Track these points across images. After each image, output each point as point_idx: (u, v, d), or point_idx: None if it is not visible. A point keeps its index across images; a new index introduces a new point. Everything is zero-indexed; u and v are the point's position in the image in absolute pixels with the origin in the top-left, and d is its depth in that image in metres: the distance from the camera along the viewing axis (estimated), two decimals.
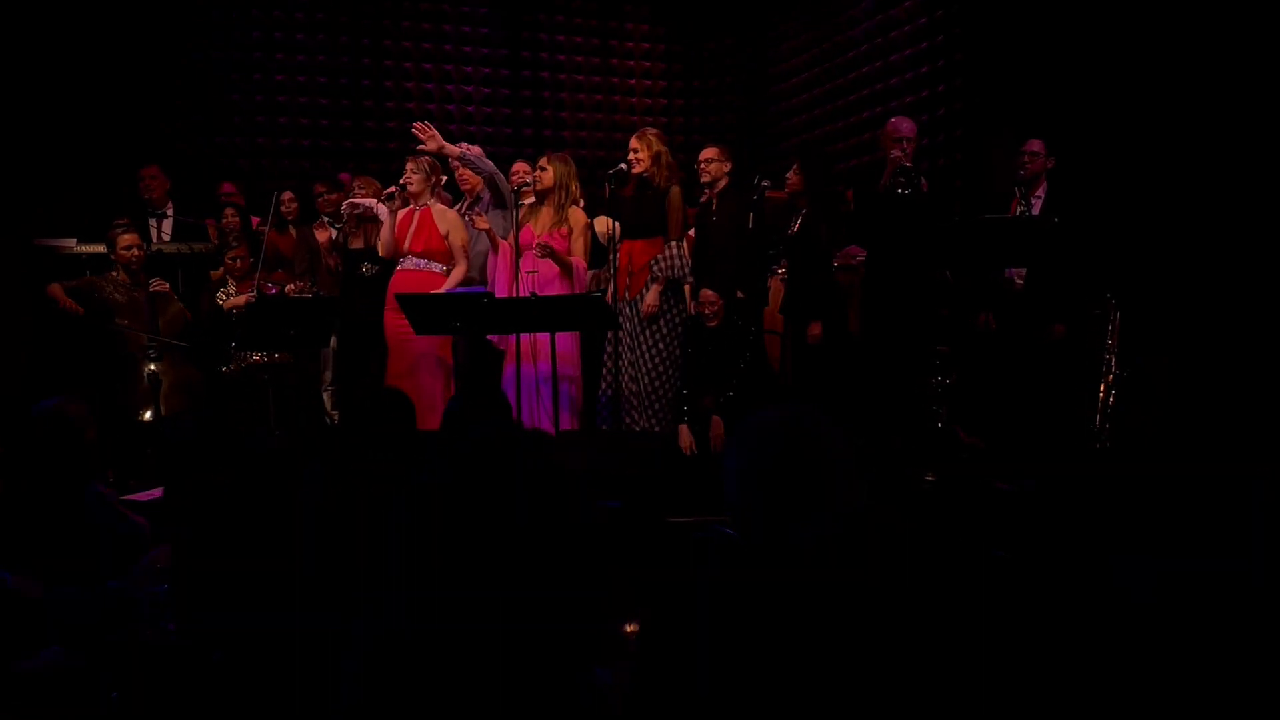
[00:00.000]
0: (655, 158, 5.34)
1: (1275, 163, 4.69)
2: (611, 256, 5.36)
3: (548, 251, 5.26)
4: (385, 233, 5.51)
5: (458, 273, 5.46)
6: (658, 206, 5.34)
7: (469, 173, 5.76)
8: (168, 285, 5.64)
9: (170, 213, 6.36)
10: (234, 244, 6.05)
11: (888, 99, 7.02)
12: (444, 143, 5.50)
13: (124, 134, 6.86)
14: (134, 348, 5.44)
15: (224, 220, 6.49)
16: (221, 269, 6.12)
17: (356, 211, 5.78)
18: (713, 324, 5.40)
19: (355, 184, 6.14)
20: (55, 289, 5.42)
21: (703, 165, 5.63)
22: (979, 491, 4.14)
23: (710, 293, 5.38)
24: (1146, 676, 2.37)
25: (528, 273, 5.32)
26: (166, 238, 6.25)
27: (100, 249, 5.74)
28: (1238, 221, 4.77)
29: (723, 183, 5.51)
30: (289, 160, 7.78)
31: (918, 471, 4.42)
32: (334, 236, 6.23)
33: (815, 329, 5.29)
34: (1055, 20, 5.72)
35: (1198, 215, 4.88)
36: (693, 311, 5.43)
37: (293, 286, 5.95)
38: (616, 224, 5.28)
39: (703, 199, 5.66)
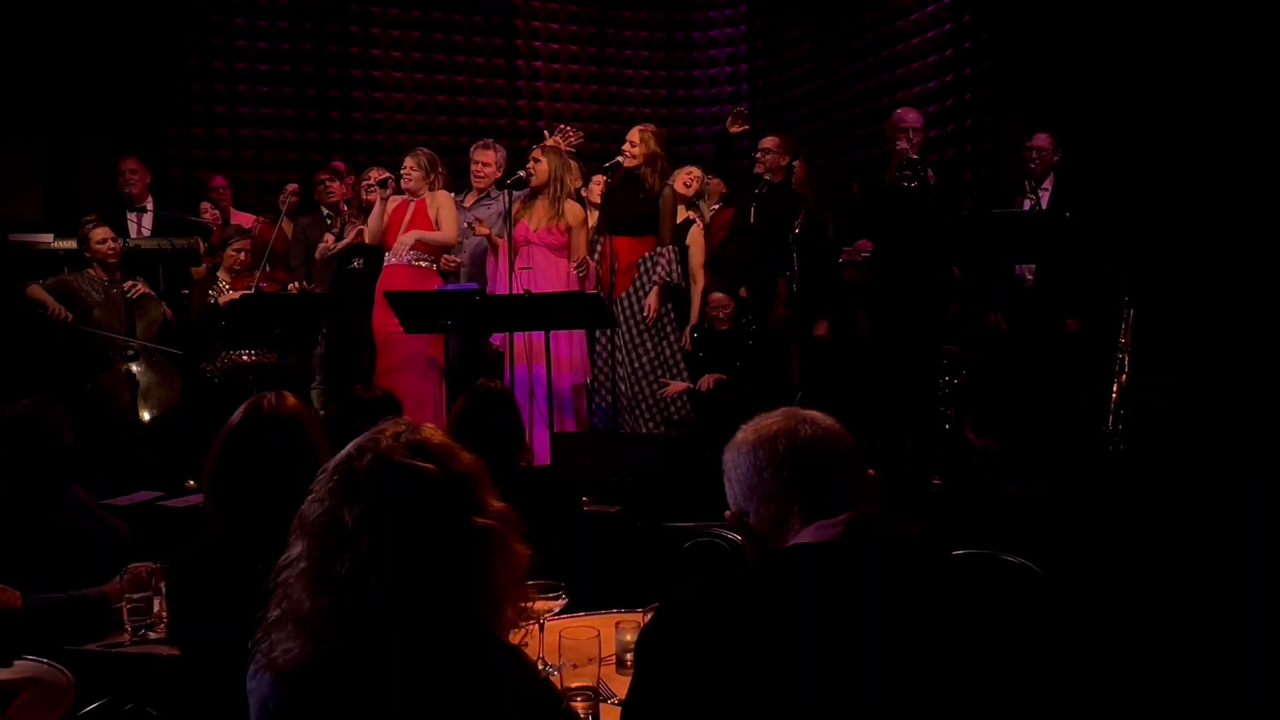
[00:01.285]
0: (650, 157, 5.25)
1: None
2: (598, 252, 5.29)
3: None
4: (374, 220, 5.37)
5: (438, 237, 5.32)
6: (649, 206, 5.25)
7: (488, 169, 5.65)
8: (144, 283, 5.46)
9: (150, 207, 6.19)
10: (236, 236, 5.88)
11: (894, 89, 6.90)
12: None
13: (103, 126, 6.69)
14: (111, 348, 5.31)
15: (204, 215, 6.33)
16: (204, 266, 5.97)
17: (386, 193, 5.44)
18: (723, 326, 5.33)
19: (370, 173, 6.00)
20: (37, 290, 5.25)
21: (759, 155, 5.53)
22: (989, 494, 4.07)
23: (721, 296, 5.31)
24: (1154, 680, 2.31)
25: (521, 269, 5.21)
26: (147, 233, 6.09)
27: (75, 245, 5.59)
28: (1248, 219, 4.69)
29: (779, 176, 5.41)
30: (274, 152, 7.63)
31: (925, 474, 4.34)
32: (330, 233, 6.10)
33: (821, 328, 5.21)
34: (1068, 8, 5.61)
35: (1209, 211, 4.79)
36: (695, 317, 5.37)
37: (295, 286, 5.81)
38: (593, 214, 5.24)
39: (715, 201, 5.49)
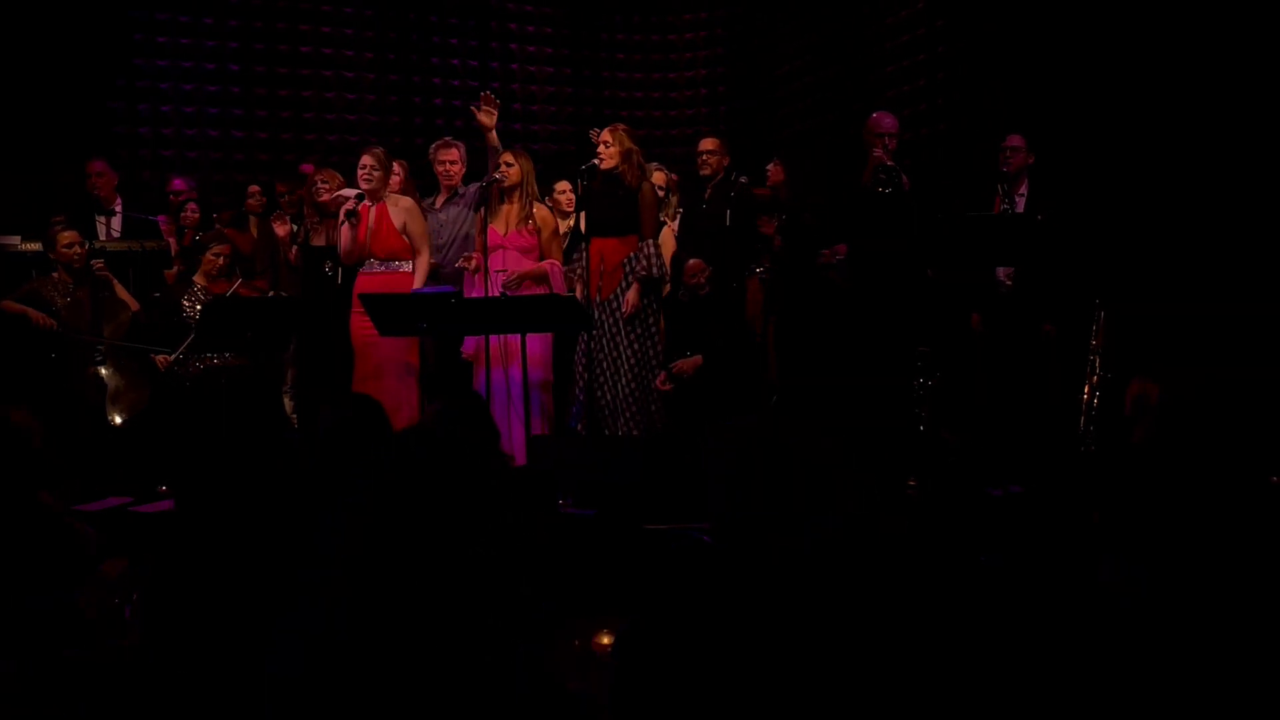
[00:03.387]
0: (625, 154, 5.22)
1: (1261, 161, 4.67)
2: (584, 255, 5.26)
3: (516, 285, 5.11)
4: (345, 243, 5.23)
5: (422, 263, 5.27)
6: (629, 204, 5.23)
7: (455, 167, 5.60)
8: (103, 263, 5.29)
9: (119, 209, 6.08)
10: (215, 241, 5.77)
11: (872, 93, 6.93)
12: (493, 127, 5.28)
13: (69, 127, 6.59)
14: (80, 351, 5.23)
15: (183, 215, 6.26)
16: (176, 269, 5.88)
17: (348, 207, 5.29)
18: (704, 292, 5.29)
19: (318, 178, 5.93)
20: (11, 305, 5.18)
21: (704, 157, 5.51)
22: (966, 495, 4.09)
23: (697, 261, 5.28)
24: (1137, 680, 2.32)
25: (496, 271, 5.18)
26: (116, 236, 5.99)
27: (39, 247, 5.49)
28: (1224, 219, 4.74)
29: (720, 176, 5.41)
30: (243, 154, 7.55)
31: (900, 476, 4.36)
32: (294, 230, 6.04)
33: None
34: (1043, 12, 5.66)
35: (1184, 212, 4.84)
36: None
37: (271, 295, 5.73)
38: (582, 216, 5.18)
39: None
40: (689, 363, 5.30)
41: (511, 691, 1.32)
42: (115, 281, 5.38)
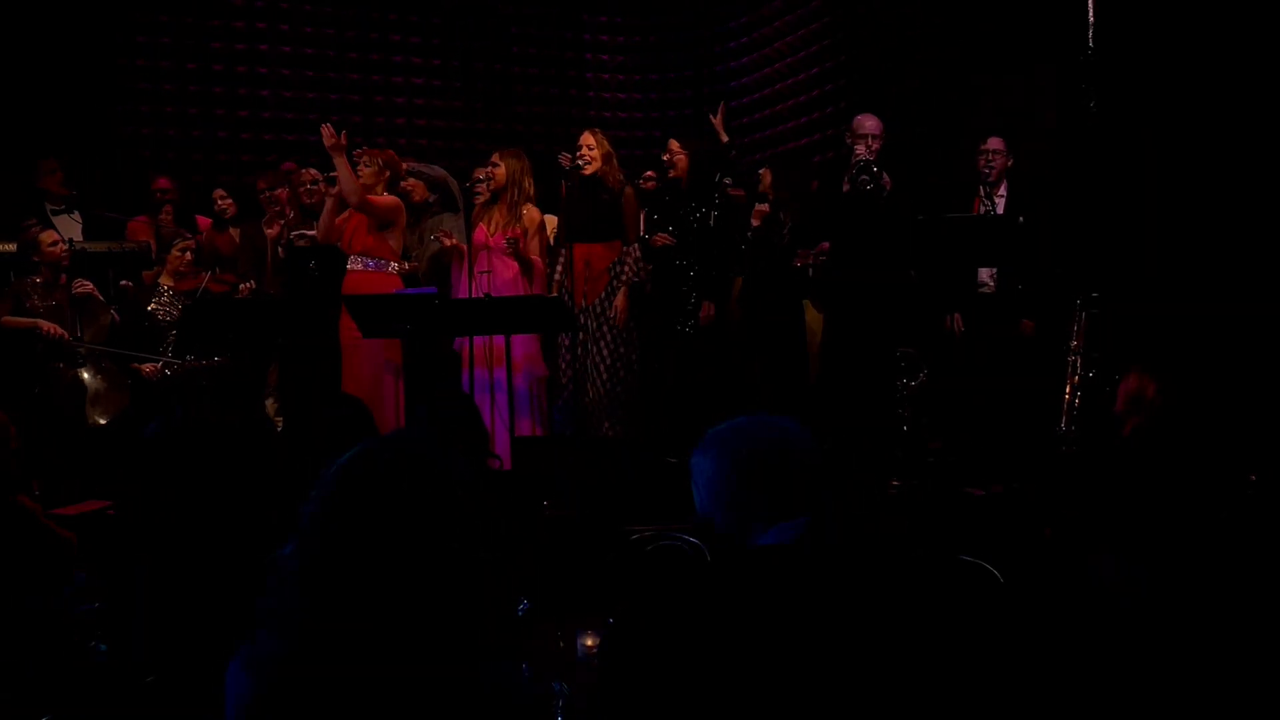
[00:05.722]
0: (606, 157, 5.25)
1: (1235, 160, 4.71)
2: (560, 257, 5.28)
3: (514, 248, 5.09)
4: (325, 217, 5.26)
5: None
6: (613, 209, 5.24)
7: (413, 182, 5.61)
8: (91, 285, 5.32)
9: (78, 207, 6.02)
10: (180, 238, 5.72)
11: (844, 95, 6.94)
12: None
13: (45, 125, 6.51)
14: (59, 353, 5.19)
15: (160, 217, 6.20)
16: (154, 270, 5.83)
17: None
18: (674, 174, 5.32)
19: (304, 174, 5.89)
20: (12, 321, 5.12)
21: (667, 157, 5.54)
22: (947, 496, 4.12)
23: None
24: (1130, 681, 2.33)
25: (481, 273, 5.18)
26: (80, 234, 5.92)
27: (14, 248, 5.43)
28: (1206, 220, 4.78)
29: (687, 177, 5.45)
30: (225, 154, 7.50)
31: (883, 477, 4.39)
32: (281, 231, 6.00)
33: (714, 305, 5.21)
34: (1022, 16, 5.70)
35: (1163, 213, 4.88)
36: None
37: (246, 287, 5.69)
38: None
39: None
40: (661, 237, 5.32)
41: (485, 695, 1.29)
42: (97, 294, 5.35)
